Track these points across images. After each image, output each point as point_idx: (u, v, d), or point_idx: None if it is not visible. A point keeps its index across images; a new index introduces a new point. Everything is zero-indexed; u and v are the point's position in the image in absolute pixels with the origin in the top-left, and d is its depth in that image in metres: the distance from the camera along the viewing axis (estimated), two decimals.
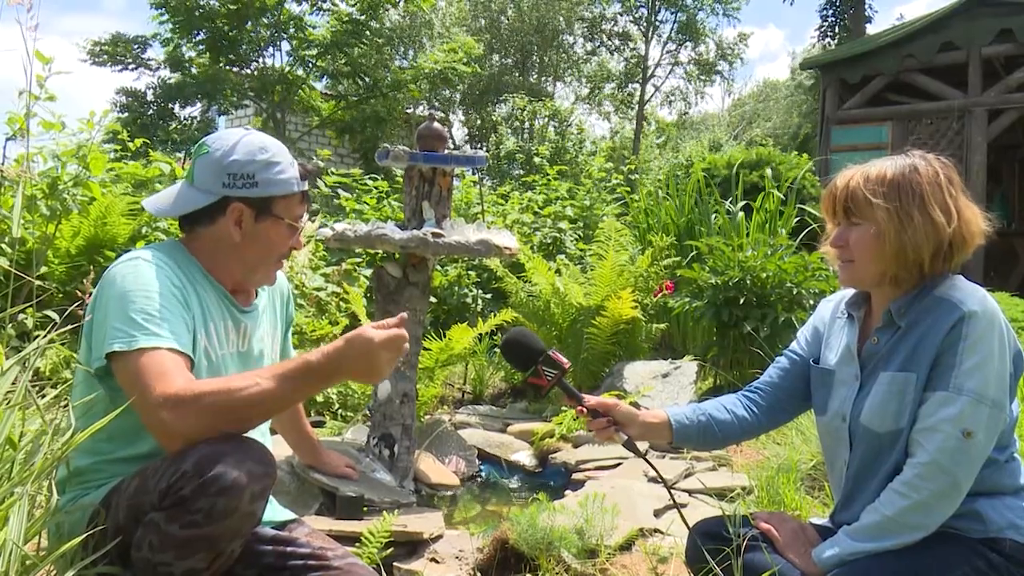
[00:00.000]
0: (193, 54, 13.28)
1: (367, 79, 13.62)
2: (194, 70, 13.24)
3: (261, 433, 1.75)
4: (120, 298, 1.48)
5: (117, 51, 13.49)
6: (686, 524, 1.72)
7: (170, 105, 13.82)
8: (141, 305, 1.47)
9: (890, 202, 1.48)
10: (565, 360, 1.68)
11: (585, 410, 1.68)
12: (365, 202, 5.97)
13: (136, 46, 13.65)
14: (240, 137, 1.64)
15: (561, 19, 21.84)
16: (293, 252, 1.72)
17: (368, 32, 13.30)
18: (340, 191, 6.14)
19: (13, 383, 1.49)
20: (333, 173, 6.50)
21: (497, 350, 4.55)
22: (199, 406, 1.37)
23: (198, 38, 12.93)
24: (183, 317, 1.52)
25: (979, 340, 1.42)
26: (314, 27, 13.32)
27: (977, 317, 1.43)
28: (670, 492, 1.76)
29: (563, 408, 3.56)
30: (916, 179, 1.49)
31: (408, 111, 14.55)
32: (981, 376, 1.42)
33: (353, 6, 13.12)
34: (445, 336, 3.62)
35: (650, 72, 21.93)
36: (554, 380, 1.66)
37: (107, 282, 1.53)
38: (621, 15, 22.00)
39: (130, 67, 13.74)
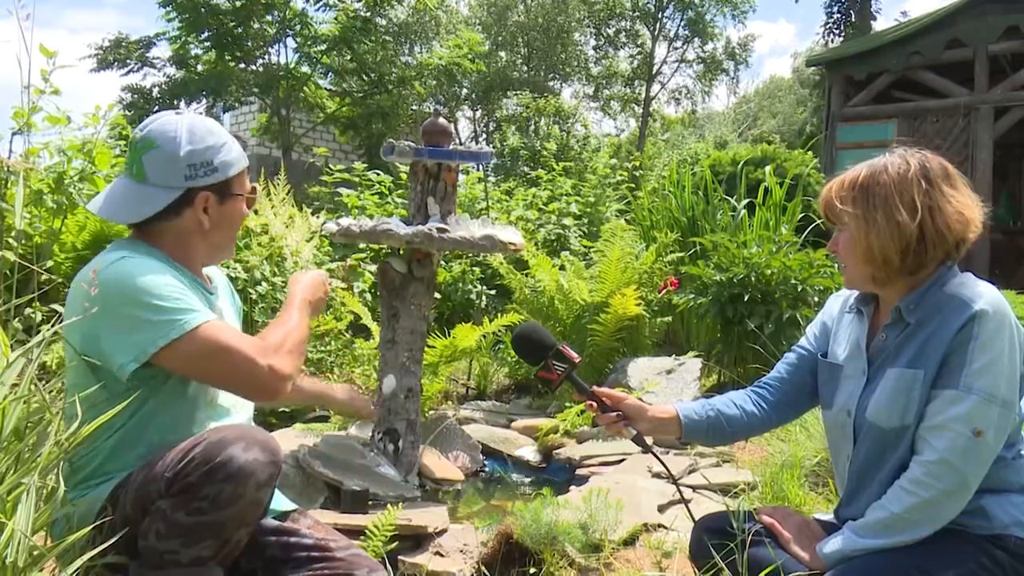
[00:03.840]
0: (199, 51, 13.28)
1: (372, 75, 13.60)
2: (199, 67, 13.24)
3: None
4: (142, 294, 1.45)
5: (120, 54, 13.49)
6: (692, 518, 1.72)
7: (176, 101, 13.83)
8: (169, 292, 1.48)
9: (857, 207, 1.51)
10: (575, 354, 1.68)
11: (595, 404, 1.68)
12: (367, 199, 5.96)
13: (140, 47, 13.66)
14: (182, 124, 1.60)
15: (568, 17, 21.75)
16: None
17: (374, 28, 13.29)
18: (342, 188, 6.12)
19: (19, 375, 1.49)
20: (332, 169, 6.49)
21: (501, 345, 4.55)
22: (287, 349, 1.54)
23: (204, 35, 12.92)
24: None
25: (990, 339, 1.42)
26: (320, 23, 13.31)
27: (988, 316, 1.42)
28: (677, 486, 1.76)
29: (567, 404, 3.56)
30: (883, 179, 1.49)
31: (414, 108, 14.53)
32: (991, 375, 1.41)
33: (359, 2, 13.10)
34: (449, 333, 3.62)
35: (656, 70, 21.86)
36: (564, 374, 1.67)
37: (107, 286, 1.46)
38: (629, 12, 21.91)
39: (135, 69, 13.75)
